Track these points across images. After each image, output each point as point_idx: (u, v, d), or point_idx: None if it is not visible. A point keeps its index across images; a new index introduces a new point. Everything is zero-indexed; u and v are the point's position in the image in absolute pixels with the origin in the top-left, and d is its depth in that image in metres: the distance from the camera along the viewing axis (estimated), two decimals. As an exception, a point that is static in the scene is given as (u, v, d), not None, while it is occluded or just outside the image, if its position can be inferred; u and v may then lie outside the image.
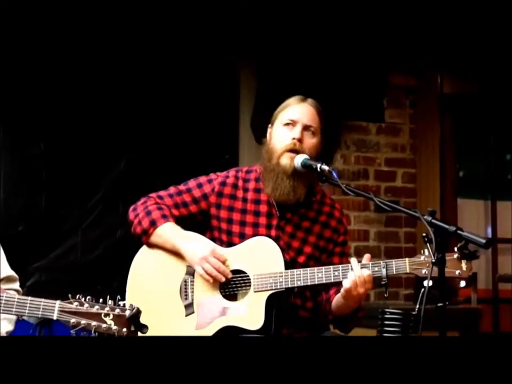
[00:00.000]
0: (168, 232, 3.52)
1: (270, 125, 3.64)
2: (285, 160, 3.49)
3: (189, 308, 3.48)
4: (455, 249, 3.17)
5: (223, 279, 3.43)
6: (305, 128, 3.52)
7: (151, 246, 3.57)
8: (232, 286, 3.47)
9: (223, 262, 3.44)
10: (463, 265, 3.24)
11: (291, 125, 3.53)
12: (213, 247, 3.46)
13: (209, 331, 3.42)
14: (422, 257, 3.32)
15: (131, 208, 3.65)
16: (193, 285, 3.50)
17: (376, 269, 3.33)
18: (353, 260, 3.36)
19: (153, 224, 3.52)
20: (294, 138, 3.49)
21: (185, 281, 3.51)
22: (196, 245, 3.48)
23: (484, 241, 3.01)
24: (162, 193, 3.65)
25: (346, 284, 3.31)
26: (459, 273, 3.24)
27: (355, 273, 3.30)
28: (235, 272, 3.47)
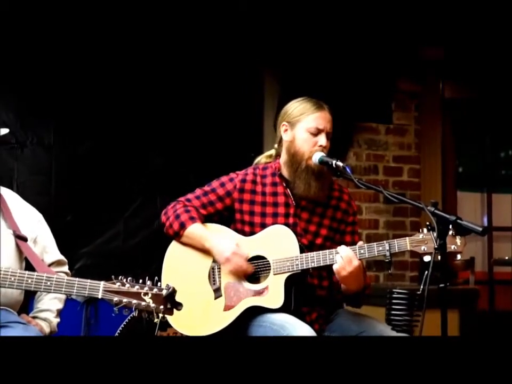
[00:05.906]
0: (196, 233, 3.51)
1: (286, 123, 3.56)
2: (312, 164, 3.47)
3: (217, 291, 3.47)
4: (450, 227, 3.14)
5: (248, 273, 3.44)
6: (327, 134, 3.50)
7: None
8: (254, 270, 3.46)
9: (245, 259, 3.44)
10: (458, 240, 3.21)
11: (316, 132, 3.49)
12: (234, 248, 3.44)
13: (236, 311, 3.42)
14: (421, 235, 3.28)
15: (163, 211, 3.63)
16: (220, 271, 3.49)
17: (380, 248, 3.30)
18: (340, 248, 3.33)
19: (183, 227, 3.51)
20: (321, 146, 3.47)
21: (213, 268, 3.51)
22: (220, 246, 3.46)
23: (480, 229, 3.00)
24: (189, 196, 3.63)
25: (335, 267, 3.30)
26: (454, 247, 3.21)
27: (340, 255, 3.28)
28: (256, 258, 3.46)
